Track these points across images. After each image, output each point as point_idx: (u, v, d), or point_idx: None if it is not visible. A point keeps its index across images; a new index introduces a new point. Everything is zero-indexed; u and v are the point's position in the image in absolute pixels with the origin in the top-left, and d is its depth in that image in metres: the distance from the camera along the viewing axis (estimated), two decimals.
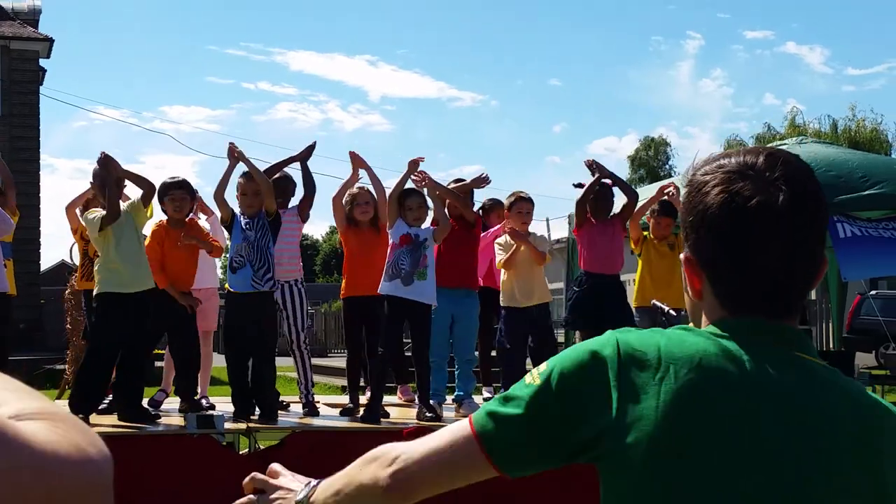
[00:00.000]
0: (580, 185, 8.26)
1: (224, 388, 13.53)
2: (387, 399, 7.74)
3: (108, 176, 6.96)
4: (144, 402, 7.38)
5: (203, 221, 8.28)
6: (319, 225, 68.91)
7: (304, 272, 8.42)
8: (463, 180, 8.26)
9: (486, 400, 8.42)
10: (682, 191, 1.68)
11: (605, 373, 1.52)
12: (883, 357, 18.34)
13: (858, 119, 35.33)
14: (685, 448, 1.47)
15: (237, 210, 7.54)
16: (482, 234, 8.27)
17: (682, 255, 1.65)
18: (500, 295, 8.12)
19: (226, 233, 7.82)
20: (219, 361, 9.67)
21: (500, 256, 8.04)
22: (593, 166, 8.27)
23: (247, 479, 1.96)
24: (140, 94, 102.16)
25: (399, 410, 8.13)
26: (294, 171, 8.28)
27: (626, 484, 1.50)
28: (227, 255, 7.63)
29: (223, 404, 7.98)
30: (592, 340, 1.58)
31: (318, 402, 8.04)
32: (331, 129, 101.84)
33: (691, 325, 1.68)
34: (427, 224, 7.52)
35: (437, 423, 7.02)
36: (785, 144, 10.64)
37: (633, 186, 9.00)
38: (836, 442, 1.49)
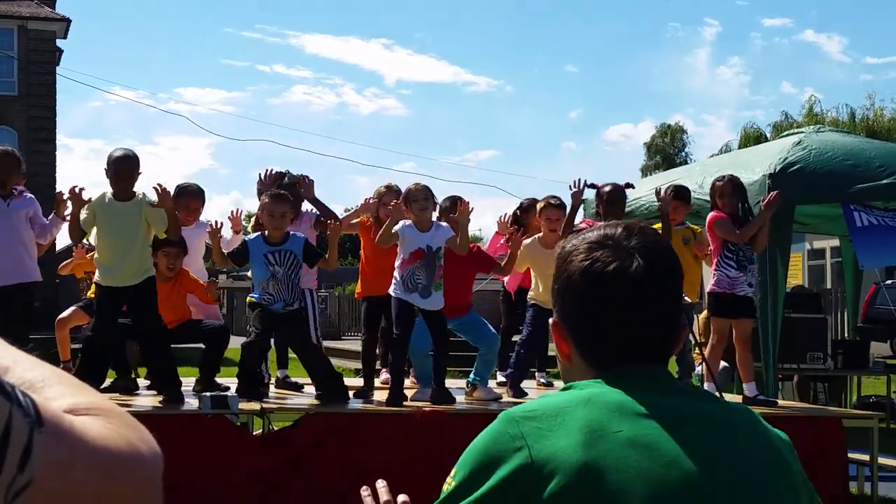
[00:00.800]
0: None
1: (233, 370, 13.61)
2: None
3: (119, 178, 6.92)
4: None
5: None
6: (335, 208, 68.75)
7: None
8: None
9: (499, 384, 8.47)
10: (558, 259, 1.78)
11: (508, 445, 1.56)
12: None
13: (877, 108, 35.13)
14: (602, 481, 1.50)
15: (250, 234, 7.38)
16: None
17: (550, 321, 1.75)
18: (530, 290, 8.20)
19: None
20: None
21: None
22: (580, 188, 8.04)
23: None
24: (155, 76, 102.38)
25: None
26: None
27: None
28: (252, 286, 7.42)
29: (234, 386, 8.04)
30: (490, 429, 1.64)
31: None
32: (346, 112, 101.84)
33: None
34: (435, 219, 7.41)
35: (449, 408, 7.04)
36: (802, 132, 10.59)
37: (648, 173, 8.89)
38: (749, 449, 1.59)
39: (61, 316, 8.51)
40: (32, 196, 7.82)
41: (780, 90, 79.57)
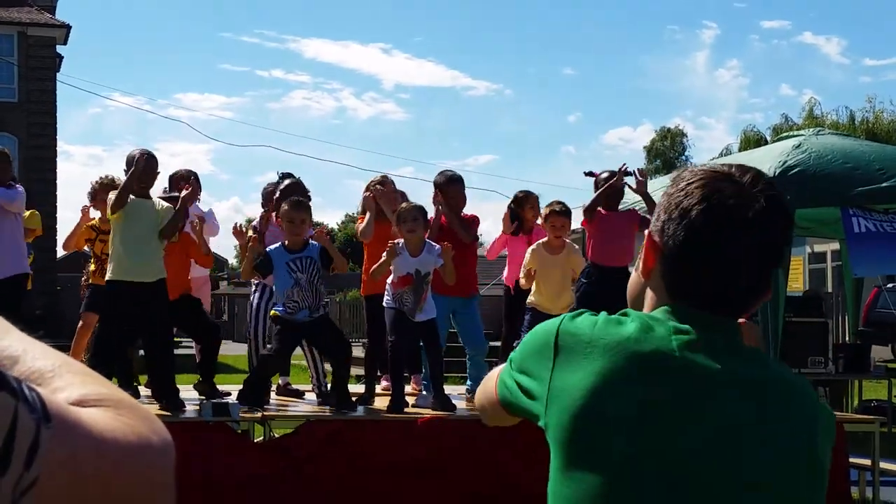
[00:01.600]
0: (591, 174, 8.21)
1: (233, 377, 13.61)
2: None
3: (137, 171, 6.93)
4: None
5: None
6: (335, 214, 68.96)
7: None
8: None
9: None
10: (669, 181, 1.75)
11: (548, 350, 1.65)
12: None
13: (877, 111, 35.11)
14: (600, 424, 1.55)
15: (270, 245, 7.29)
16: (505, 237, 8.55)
17: (646, 231, 1.71)
18: (530, 293, 8.17)
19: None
20: (225, 350, 9.70)
21: (524, 269, 7.90)
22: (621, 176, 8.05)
23: None
24: (154, 81, 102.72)
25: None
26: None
27: (553, 450, 1.62)
28: (275, 295, 7.35)
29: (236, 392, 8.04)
30: (548, 322, 1.72)
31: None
32: (345, 117, 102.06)
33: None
34: (426, 241, 7.29)
35: (451, 414, 7.03)
36: (802, 135, 10.57)
37: (649, 177, 8.88)
38: (773, 421, 1.57)
39: (81, 325, 8.34)
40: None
41: (779, 93, 79.74)
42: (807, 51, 79.73)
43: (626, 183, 8.19)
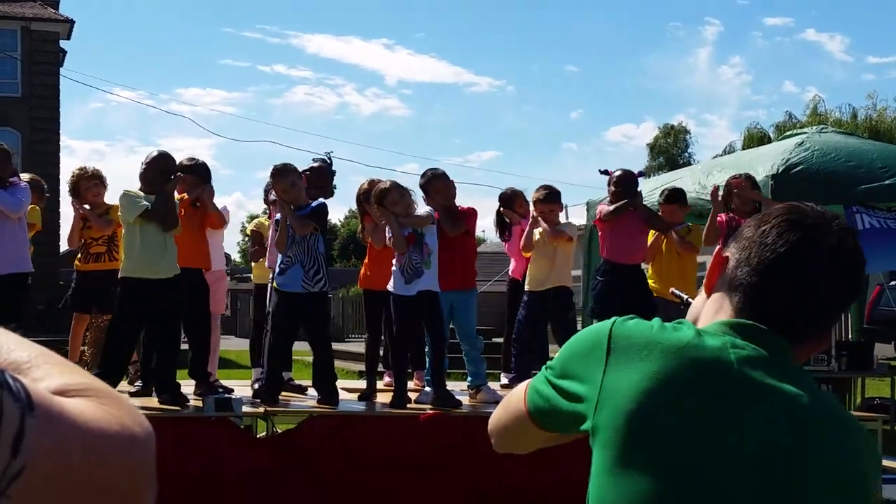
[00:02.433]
0: (605, 172, 8.22)
1: (236, 372, 13.62)
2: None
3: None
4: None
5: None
6: (338, 209, 68.97)
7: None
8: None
9: (503, 386, 8.46)
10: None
11: (599, 351, 1.64)
12: None
13: (880, 108, 35.08)
14: (654, 427, 1.55)
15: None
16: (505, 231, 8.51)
17: (719, 250, 1.73)
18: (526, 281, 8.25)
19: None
20: (228, 345, 9.70)
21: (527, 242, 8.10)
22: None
23: None
24: (156, 76, 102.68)
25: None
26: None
27: (598, 453, 1.61)
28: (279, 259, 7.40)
29: (235, 388, 8.06)
30: (596, 325, 1.71)
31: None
32: (347, 112, 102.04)
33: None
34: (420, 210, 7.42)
35: (452, 409, 7.03)
36: (805, 133, 10.57)
37: (651, 174, 8.89)
38: (820, 450, 1.55)
39: (75, 324, 8.37)
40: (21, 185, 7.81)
41: (781, 90, 79.76)
42: (810, 48, 79.80)
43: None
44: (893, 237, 9.20)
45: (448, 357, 7.79)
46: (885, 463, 7.77)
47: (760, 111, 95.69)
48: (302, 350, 8.37)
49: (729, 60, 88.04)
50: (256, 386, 7.78)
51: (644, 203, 8.37)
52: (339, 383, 8.98)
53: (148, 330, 7.15)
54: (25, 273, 7.76)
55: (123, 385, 7.48)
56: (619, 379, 1.59)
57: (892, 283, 18.48)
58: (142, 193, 7.00)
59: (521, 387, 1.84)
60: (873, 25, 74.37)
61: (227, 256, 8.05)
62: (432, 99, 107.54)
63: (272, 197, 7.46)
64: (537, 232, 8.05)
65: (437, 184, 7.80)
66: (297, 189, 7.21)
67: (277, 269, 7.23)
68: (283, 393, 8.13)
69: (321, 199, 7.38)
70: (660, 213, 8.47)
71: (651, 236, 8.53)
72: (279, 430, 7.06)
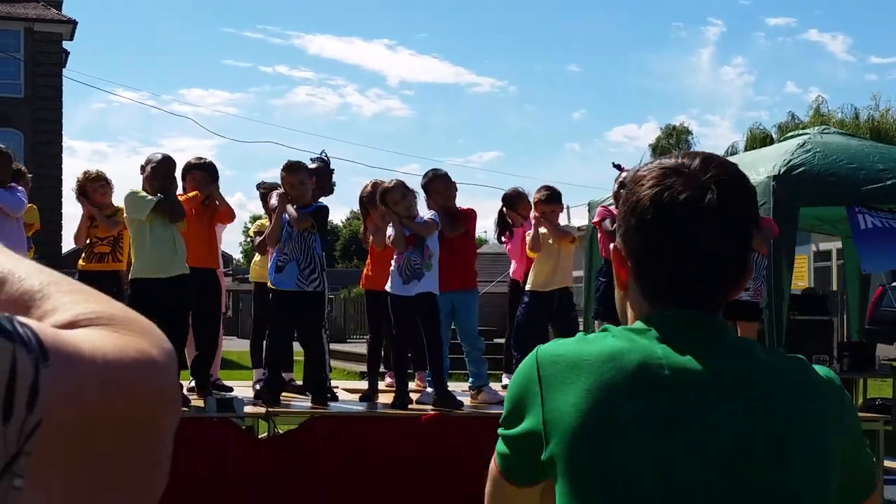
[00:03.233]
0: (619, 167, 8.20)
1: (237, 373, 13.62)
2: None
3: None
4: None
5: None
6: (339, 210, 68.98)
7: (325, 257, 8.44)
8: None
9: (504, 387, 8.46)
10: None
11: (532, 385, 1.60)
12: None
13: (882, 109, 35.05)
14: (597, 443, 1.52)
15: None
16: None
17: (611, 245, 1.69)
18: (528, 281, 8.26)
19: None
20: (229, 346, 9.70)
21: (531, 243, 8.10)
22: None
23: None
24: (158, 77, 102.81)
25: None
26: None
27: (559, 481, 1.56)
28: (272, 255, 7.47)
29: (236, 388, 8.07)
30: (523, 362, 1.67)
31: (337, 387, 8.07)
32: (349, 113, 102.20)
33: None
34: (421, 214, 7.40)
35: (454, 410, 7.03)
36: (807, 134, 10.57)
37: None
38: (774, 420, 1.52)
39: None
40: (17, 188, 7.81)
41: (784, 90, 79.82)
42: (812, 48, 79.86)
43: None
44: (894, 236, 9.20)
45: (449, 357, 7.79)
46: (888, 464, 7.76)
47: (763, 112, 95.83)
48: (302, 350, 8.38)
49: (731, 61, 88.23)
50: (258, 387, 7.79)
51: None
52: (341, 384, 9.00)
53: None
54: None
55: None
56: (557, 406, 1.55)
57: (895, 283, 18.48)
58: (147, 194, 7.04)
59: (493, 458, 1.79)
60: (876, 25, 74.39)
61: (228, 257, 8.04)
62: (434, 99, 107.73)
63: (273, 201, 7.46)
64: (541, 232, 8.06)
65: (438, 185, 7.82)
66: (305, 187, 7.28)
67: (273, 267, 7.28)
68: (285, 393, 8.15)
69: (323, 202, 7.42)
70: None
71: None
72: (281, 431, 7.06)
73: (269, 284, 7.50)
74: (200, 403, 7.01)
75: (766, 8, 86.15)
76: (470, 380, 7.99)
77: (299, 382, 8.40)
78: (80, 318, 0.88)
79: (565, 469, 1.54)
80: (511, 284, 9.17)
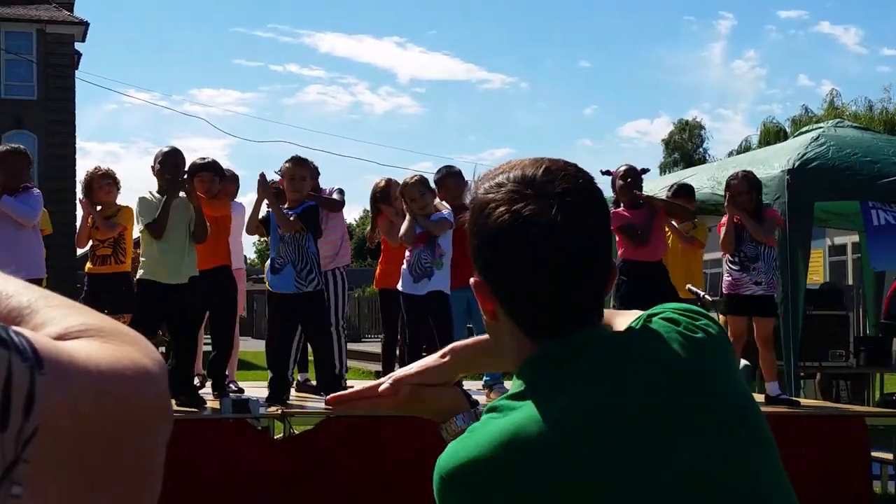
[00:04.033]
0: (607, 173, 8.19)
1: (253, 373, 13.63)
2: None
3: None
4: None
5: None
6: (353, 209, 69.09)
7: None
8: None
9: None
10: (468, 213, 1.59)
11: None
12: None
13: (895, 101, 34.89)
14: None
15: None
16: None
17: (471, 280, 1.57)
18: None
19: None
20: (244, 346, 9.71)
21: None
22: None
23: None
24: (169, 77, 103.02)
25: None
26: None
27: None
28: (270, 256, 7.51)
29: (252, 389, 8.07)
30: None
31: (352, 386, 8.05)
32: (361, 111, 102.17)
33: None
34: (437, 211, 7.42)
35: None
36: (821, 128, 10.53)
37: (667, 170, 8.87)
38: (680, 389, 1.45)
39: None
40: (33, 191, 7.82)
41: (796, 83, 79.47)
42: (824, 41, 79.47)
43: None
44: None
45: None
46: None
47: (775, 105, 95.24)
48: None
49: (743, 54, 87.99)
50: None
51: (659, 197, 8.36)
52: (356, 383, 8.97)
53: (169, 333, 7.19)
54: (39, 279, 7.79)
55: None
56: None
57: None
58: (157, 197, 7.03)
59: None
60: (888, 17, 73.94)
61: (244, 258, 8.08)
62: (445, 97, 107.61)
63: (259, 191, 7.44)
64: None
65: (450, 182, 7.85)
66: (305, 184, 7.32)
67: (270, 268, 7.29)
68: (300, 393, 8.16)
69: (313, 202, 7.43)
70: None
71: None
72: (296, 432, 7.07)
73: (266, 287, 7.53)
74: (216, 405, 7.02)
75: (777, 1, 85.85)
76: (484, 378, 7.98)
77: (314, 383, 8.41)
78: (70, 331, 0.87)
79: None
80: None
